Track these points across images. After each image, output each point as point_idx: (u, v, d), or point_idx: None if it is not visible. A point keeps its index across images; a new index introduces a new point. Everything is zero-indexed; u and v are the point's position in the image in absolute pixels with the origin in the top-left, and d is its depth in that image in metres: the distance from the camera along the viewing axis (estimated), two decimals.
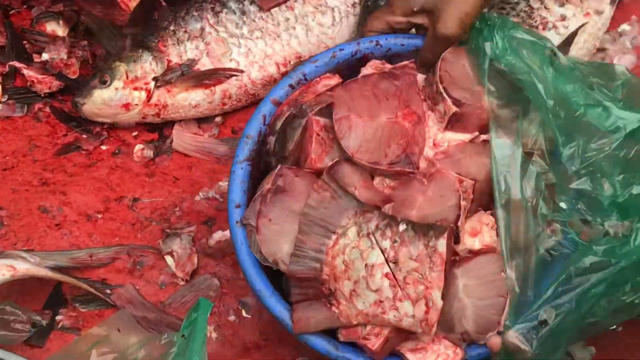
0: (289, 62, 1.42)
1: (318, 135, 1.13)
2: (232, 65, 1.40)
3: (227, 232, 1.31)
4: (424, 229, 1.07)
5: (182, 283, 1.30)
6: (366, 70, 1.18)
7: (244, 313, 1.27)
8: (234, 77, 1.40)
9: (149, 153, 1.42)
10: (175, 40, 1.41)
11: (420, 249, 1.06)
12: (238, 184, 1.13)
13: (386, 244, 1.07)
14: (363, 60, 1.20)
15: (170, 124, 1.44)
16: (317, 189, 1.09)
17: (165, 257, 1.31)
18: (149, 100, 1.39)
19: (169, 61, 1.40)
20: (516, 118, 1.10)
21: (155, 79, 1.39)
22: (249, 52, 1.41)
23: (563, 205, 1.04)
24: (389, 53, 1.20)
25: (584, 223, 1.04)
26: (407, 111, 1.14)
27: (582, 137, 1.05)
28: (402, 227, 1.07)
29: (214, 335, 1.25)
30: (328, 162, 1.13)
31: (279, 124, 1.16)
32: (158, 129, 1.45)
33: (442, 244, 1.06)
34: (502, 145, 1.08)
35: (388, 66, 1.19)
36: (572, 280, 1.01)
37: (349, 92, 1.13)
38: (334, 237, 1.08)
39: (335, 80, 1.19)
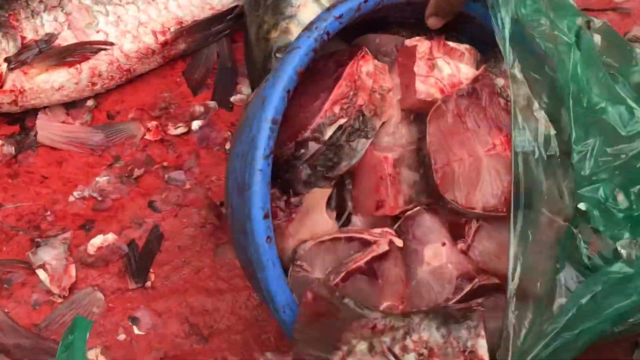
0: (169, 29, 1.37)
1: (390, 175, 1.01)
2: (100, 37, 1.35)
3: (109, 236, 1.26)
4: (450, 323, 0.95)
5: (60, 300, 1.23)
6: (416, 45, 1.04)
7: (135, 330, 1.20)
8: (103, 52, 1.34)
9: (10, 149, 1.35)
10: (29, 13, 1.35)
11: (456, 354, 0.94)
12: (264, 185, 0.96)
13: (411, 358, 0.95)
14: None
15: (33, 113, 1.37)
16: (309, 301, 0.93)
17: (36, 271, 1.24)
18: (2, 87, 1.33)
19: (23, 38, 1.34)
20: (539, 103, 0.98)
21: (7, 60, 1.33)
22: (119, 20, 1.36)
23: (582, 206, 0.95)
24: (405, 5, 1.08)
25: (594, 232, 0.95)
26: (504, 137, 1.01)
27: (599, 136, 0.95)
28: (421, 324, 0.95)
29: (101, 358, 1.19)
30: (402, 204, 1.03)
31: (328, 133, 1.01)
32: (19, 120, 1.38)
33: (482, 345, 0.94)
34: (524, 140, 0.97)
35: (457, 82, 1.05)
36: (575, 320, 0.92)
37: (439, 130, 1.01)
38: (339, 353, 0.94)
39: (371, 63, 1.03)
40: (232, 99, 1.35)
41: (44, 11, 1.33)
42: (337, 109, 1.00)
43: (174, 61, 1.42)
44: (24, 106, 1.34)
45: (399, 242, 1.01)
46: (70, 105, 1.37)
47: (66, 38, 1.33)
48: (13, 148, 1.34)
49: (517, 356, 0.91)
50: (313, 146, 1.00)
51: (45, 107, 1.36)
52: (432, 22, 1.05)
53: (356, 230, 1.02)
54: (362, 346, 0.93)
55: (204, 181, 1.28)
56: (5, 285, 1.23)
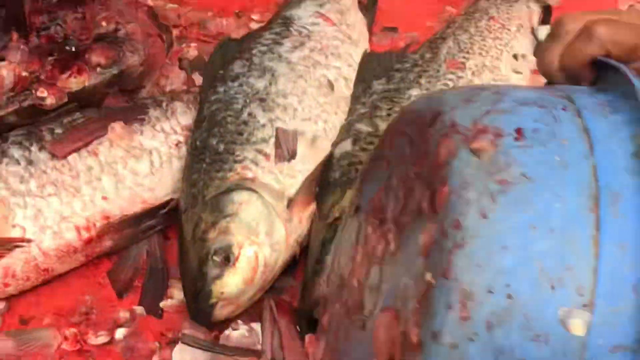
0: (94, 224, 1.33)
1: None
2: (16, 233, 1.30)
3: None
4: None
5: None
6: None
7: None
8: (18, 249, 1.30)
9: None
10: None
11: None
12: None
13: None
14: None
15: None
16: None
17: None
18: None
19: None
20: None
21: None
22: (38, 214, 1.31)
23: None
24: None
25: None
26: None
27: None
28: None
29: None
30: None
31: None
32: None
33: None
34: None
35: None
36: None
37: None
38: None
39: None
40: (161, 304, 1.31)
41: None
42: None
43: (98, 259, 1.39)
44: None
45: None
46: None
47: None
48: None
49: None
50: None
51: None
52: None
53: None
54: None
55: None
56: None
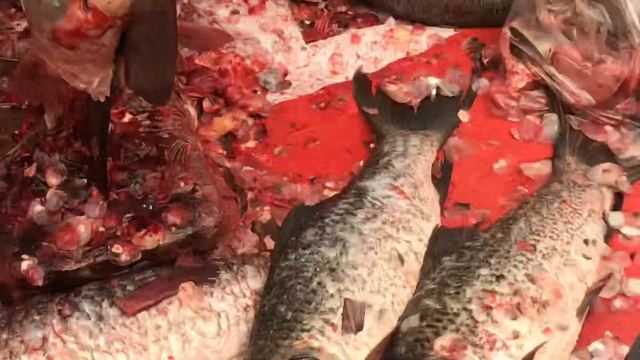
0: None
1: None
2: None
3: None
4: None
5: None
6: None
7: None
8: None
9: None
10: (7, 354, 1.32)
11: None
12: None
13: None
14: None
15: None
16: None
17: None
18: None
19: None
20: None
21: None
22: None
23: None
24: None
25: None
26: None
27: None
28: None
29: None
30: None
31: None
32: None
33: None
34: None
35: None
36: None
37: None
38: None
39: None
40: None
41: (24, 353, 1.31)
42: None
43: None
44: None
45: None
46: None
47: None
48: None
49: None
50: None
51: None
52: None
53: None
54: None
55: None
56: None
